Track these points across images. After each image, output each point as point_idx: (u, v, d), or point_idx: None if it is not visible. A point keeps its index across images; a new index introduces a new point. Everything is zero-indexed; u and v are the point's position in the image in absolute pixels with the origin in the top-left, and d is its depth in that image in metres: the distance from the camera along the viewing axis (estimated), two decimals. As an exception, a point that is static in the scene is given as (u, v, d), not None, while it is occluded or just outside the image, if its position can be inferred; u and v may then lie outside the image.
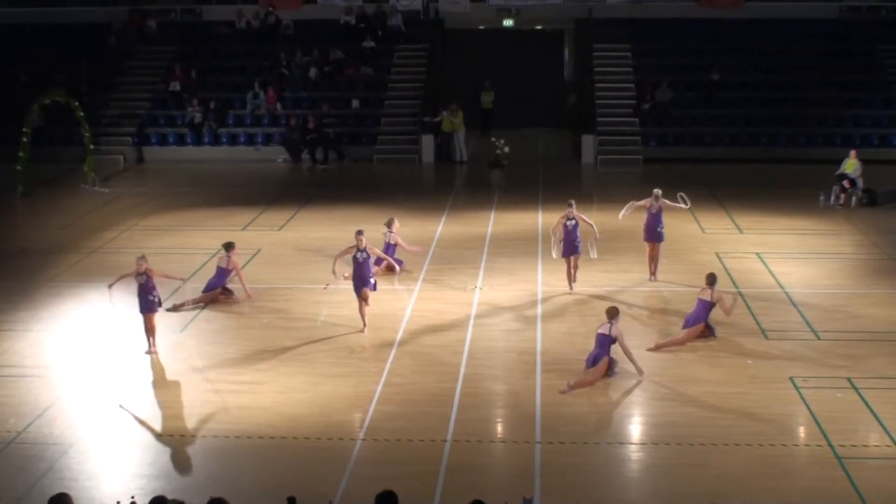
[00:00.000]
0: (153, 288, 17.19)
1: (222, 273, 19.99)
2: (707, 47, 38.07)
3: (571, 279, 20.14)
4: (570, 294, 19.99)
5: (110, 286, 17.76)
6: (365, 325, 18.18)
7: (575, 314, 19.04)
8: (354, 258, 18.18)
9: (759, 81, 36.85)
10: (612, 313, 15.89)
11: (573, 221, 19.94)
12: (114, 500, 12.05)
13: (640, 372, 15.87)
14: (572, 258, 20.04)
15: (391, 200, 28.21)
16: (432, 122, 35.94)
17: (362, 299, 18.17)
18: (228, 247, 20.12)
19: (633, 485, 13.06)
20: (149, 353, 17.19)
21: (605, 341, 15.79)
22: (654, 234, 20.79)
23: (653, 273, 20.87)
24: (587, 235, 20.41)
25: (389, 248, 21.15)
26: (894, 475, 13.05)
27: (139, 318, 17.33)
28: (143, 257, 17.48)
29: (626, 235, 22.69)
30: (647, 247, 21.00)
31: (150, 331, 17.29)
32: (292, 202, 28.83)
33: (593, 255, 20.60)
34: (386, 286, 20.32)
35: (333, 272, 18.34)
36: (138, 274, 17.22)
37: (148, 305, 17.20)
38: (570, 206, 20.06)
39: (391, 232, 21.40)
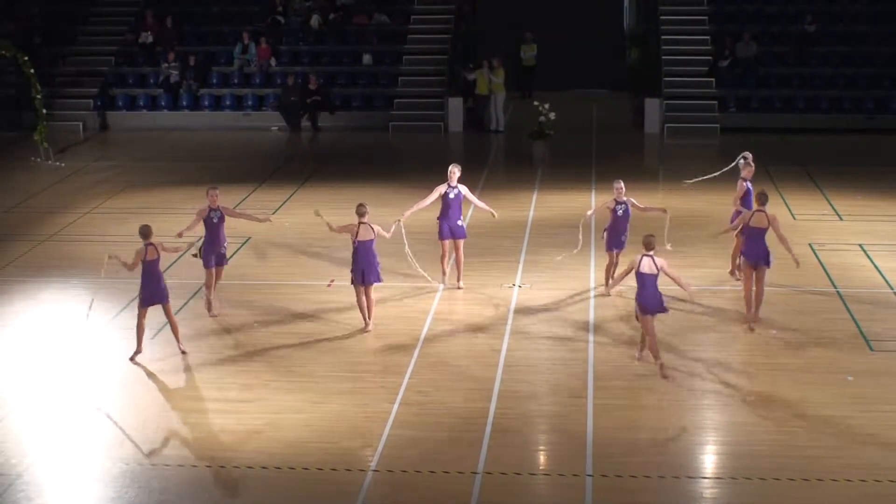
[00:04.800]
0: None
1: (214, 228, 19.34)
2: (800, -10, 37.93)
3: (611, 275, 19.80)
4: (607, 296, 19.81)
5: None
6: (367, 322, 18.22)
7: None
8: (355, 239, 17.98)
9: (864, 33, 36.62)
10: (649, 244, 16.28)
11: (623, 206, 19.67)
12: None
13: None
14: (616, 253, 19.76)
15: (411, 178, 28.20)
16: (467, 80, 35.97)
17: (363, 294, 18.13)
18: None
19: (707, 529, 13.07)
20: (133, 359, 17.26)
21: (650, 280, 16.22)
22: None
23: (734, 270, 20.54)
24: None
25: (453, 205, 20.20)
26: None
27: (115, 315, 17.38)
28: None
29: (700, 222, 22.61)
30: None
31: (173, 327, 17.42)
32: (290, 180, 28.92)
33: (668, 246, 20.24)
34: (406, 284, 20.33)
35: (329, 225, 18.29)
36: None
37: (162, 293, 17.21)
38: (617, 184, 19.64)
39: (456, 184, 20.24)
